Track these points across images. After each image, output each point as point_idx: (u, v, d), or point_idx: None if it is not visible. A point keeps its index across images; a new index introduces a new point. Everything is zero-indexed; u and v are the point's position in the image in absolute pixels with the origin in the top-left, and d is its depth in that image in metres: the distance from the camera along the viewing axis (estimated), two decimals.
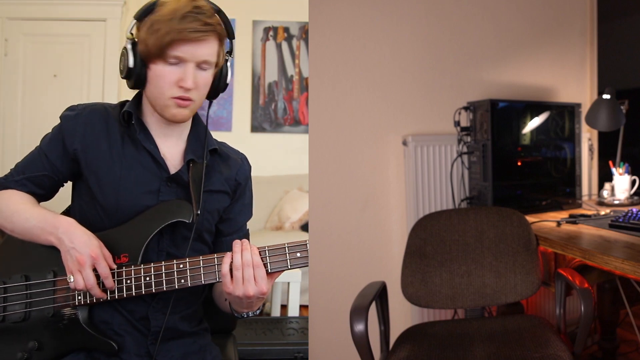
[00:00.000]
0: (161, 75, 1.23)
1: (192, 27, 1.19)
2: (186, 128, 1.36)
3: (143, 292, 1.23)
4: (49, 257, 1.28)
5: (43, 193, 1.34)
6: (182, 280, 1.23)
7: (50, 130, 1.34)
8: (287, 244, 1.23)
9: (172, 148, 1.33)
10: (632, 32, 2.94)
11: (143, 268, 1.24)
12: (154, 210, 1.27)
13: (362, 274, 2.24)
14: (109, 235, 1.26)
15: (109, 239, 1.26)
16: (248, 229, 1.49)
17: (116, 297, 1.23)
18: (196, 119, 1.39)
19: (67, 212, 1.42)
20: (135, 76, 1.25)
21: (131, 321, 1.28)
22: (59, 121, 1.33)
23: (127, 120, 1.31)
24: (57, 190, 1.37)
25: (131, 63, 1.24)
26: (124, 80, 1.30)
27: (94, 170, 1.27)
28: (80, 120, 1.29)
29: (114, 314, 1.27)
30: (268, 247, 1.23)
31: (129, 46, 1.24)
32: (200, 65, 1.24)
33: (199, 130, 1.37)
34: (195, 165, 1.31)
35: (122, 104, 1.35)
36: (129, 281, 1.23)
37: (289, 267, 1.22)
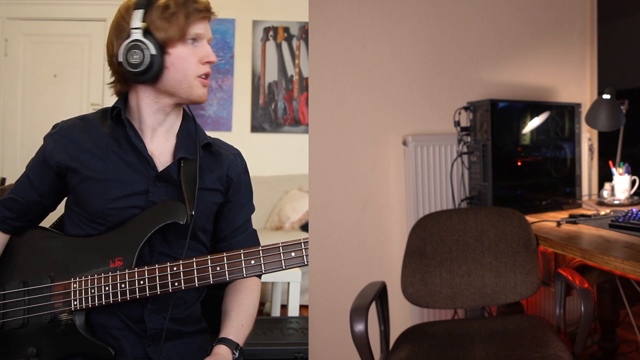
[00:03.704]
0: (185, 56, 1.25)
1: (204, 5, 1.26)
2: (175, 124, 1.34)
3: (137, 297, 1.23)
4: (47, 261, 1.28)
5: (13, 216, 1.33)
6: (176, 284, 1.22)
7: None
8: (282, 243, 1.22)
9: (160, 146, 1.31)
10: (632, 32, 2.94)
11: (137, 272, 1.23)
12: (148, 212, 1.26)
13: (362, 274, 2.24)
14: (103, 239, 1.26)
15: (103, 243, 1.25)
16: (254, 230, 1.46)
17: (111, 302, 1.23)
18: (185, 114, 1.37)
19: (60, 221, 1.41)
20: (157, 64, 1.23)
21: (127, 324, 1.27)
22: (58, 121, 1.33)
23: (116, 118, 1.29)
24: (37, 213, 1.36)
25: (153, 50, 1.22)
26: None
27: (80, 178, 1.27)
28: (61, 134, 1.29)
29: (110, 317, 1.26)
30: (262, 247, 1.22)
31: (140, 35, 1.22)
32: (208, 42, 1.30)
33: (188, 126, 1.35)
34: (187, 163, 1.29)
35: (104, 109, 1.34)
36: (123, 285, 1.22)
37: (284, 267, 1.21)
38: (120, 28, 1.26)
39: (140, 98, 1.29)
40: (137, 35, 1.22)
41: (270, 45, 4.73)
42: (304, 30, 4.70)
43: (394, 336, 1.77)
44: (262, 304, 3.63)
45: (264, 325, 2.30)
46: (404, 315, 2.33)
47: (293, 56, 4.73)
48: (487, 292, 1.85)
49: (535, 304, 2.53)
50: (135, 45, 1.22)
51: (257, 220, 4.43)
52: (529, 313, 2.34)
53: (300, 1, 4.38)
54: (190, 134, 1.34)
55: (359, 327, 1.49)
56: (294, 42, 4.73)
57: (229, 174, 1.37)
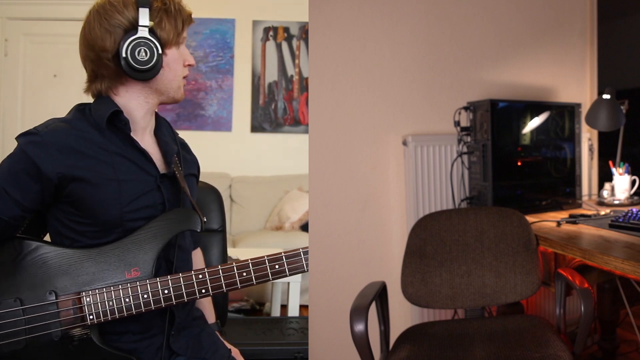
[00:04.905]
0: (177, 58, 1.29)
1: (190, 12, 1.31)
2: (153, 122, 1.36)
3: (163, 306, 1.23)
4: (43, 275, 1.20)
5: None
6: (204, 291, 1.25)
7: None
8: (302, 249, 1.31)
9: (149, 145, 1.33)
10: (632, 32, 2.94)
11: (160, 282, 1.22)
12: (160, 219, 1.25)
13: (362, 274, 2.24)
14: (112, 250, 1.23)
15: (113, 253, 1.22)
16: None
17: (134, 313, 1.21)
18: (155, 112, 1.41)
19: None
20: (160, 64, 1.24)
21: (145, 323, 1.27)
22: None
23: (110, 120, 1.24)
24: (18, 229, 1.24)
25: (160, 49, 1.23)
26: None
27: (88, 187, 1.20)
28: (51, 141, 1.19)
29: (129, 323, 1.25)
30: (285, 253, 1.29)
31: (147, 34, 1.21)
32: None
33: (160, 123, 1.38)
34: (174, 162, 1.33)
35: (79, 110, 1.29)
36: (146, 296, 1.21)
37: (306, 270, 1.30)
38: (114, 22, 1.23)
39: (130, 98, 1.28)
40: (144, 33, 1.21)
41: (270, 45, 4.74)
42: (304, 30, 4.70)
43: (394, 336, 1.77)
44: (262, 304, 3.63)
45: (264, 325, 2.30)
46: (404, 315, 2.33)
47: (293, 56, 4.73)
48: (487, 292, 1.85)
49: (535, 304, 2.53)
50: (144, 43, 1.21)
51: (257, 220, 4.45)
52: (529, 313, 2.34)
53: (300, 1, 4.38)
54: (166, 131, 1.39)
55: (359, 327, 1.49)
56: (294, 42, 4.73)
57: (195, 159, 1.48)
